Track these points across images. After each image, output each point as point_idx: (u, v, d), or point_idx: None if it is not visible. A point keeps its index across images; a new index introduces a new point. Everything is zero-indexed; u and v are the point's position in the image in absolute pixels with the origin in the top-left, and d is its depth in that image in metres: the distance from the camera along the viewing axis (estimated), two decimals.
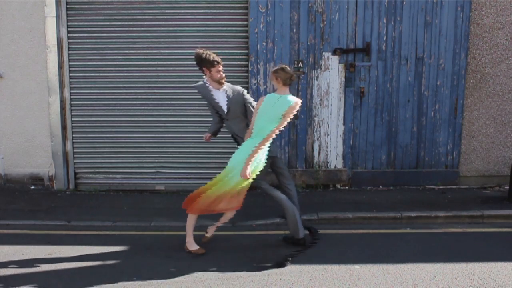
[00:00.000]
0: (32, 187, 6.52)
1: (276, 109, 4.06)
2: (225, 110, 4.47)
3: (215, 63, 4.30)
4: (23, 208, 5.64)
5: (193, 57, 4.47)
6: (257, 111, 4.17)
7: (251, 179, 4.02)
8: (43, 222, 5.17)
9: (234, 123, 4.54)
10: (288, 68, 4.21)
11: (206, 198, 4.10)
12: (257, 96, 6.29)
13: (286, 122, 4.08)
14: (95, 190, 6.52)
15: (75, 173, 6.61)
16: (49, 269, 3.94)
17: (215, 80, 4.38)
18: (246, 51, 6.32)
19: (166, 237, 4.76)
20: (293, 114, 4.09)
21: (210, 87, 4.46)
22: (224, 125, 4.72)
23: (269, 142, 4.09)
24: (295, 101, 4.10)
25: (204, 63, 4.31)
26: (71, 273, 3.85)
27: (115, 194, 6.43)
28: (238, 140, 4.56)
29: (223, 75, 4.40)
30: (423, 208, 5.42)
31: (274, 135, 4.07)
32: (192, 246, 4.26)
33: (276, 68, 4.24)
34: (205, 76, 4.46)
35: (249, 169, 3.94)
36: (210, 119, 6.37)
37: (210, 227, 4.41)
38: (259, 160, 4.06)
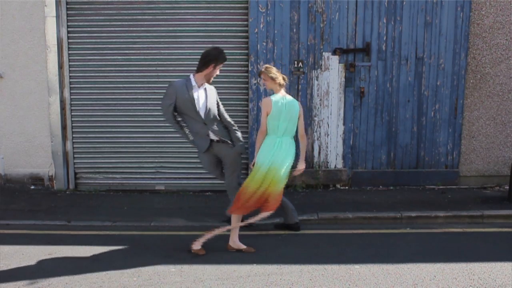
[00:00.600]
0: (32, 187, 6.52)
1: (290, 111, 4.28)
2: (203, 112, 4.31)
3: (224, 61, 4.34)
4: (23, 208, 5.64)
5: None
6: (270, 112, 4.24)
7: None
8: (43, 222, 5.17)
9: (217, 126, 4.45)
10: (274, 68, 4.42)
11: (277, 195, 4.24)
12: (257, 96, 6.30)
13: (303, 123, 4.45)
14: (95, 190, 6.53)
15: (75, 173, 6.61)
16: (49, 269, 3.94)
17: (210, 77, 4.36)
18: (246, 51, 6.33)
19: (166, 237, 4.76)
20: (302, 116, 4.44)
21: (194, 84, 4.32)
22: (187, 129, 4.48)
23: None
24: (298, 102, 4.40)
25: (217, 60, 4.25)
26: (71, 273, 3.85)
27: (115, 194, 6.43)
28: (214, 143, 4.45)
29: None
30: (423, 208, 5.42)
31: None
32: (197, 245, 4.26)
33: (265, 68, 4.33)
34: (194, 74, 4.34)
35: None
36: None
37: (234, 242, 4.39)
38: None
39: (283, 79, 4.34)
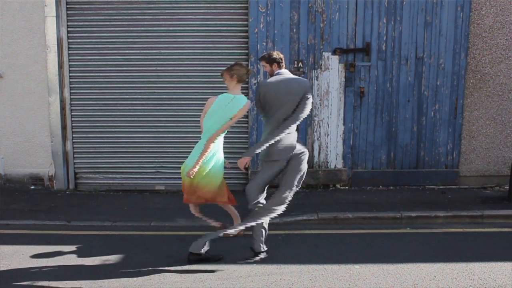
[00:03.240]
0: (32, 187, 6.52)
1: (227, 110, 4.09)
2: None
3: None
4: (23, 208, 5.64)
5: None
6: (207, 111, 4.17)
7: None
8: (43, 222, 5.17)
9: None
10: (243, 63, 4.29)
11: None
12: None
13: (233, 123, 4.13)
14: (95, 190, 6.52)
15: (75, 173, 6.61)
16: (49, 269, 3.94)
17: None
18: (246, 51, 6.32)
19: (166, 237, 4.76)
20: (242, 115, 4.15)
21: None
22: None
23: (214, 142, 4.10)
24: (247, 102, 4.16)
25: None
26: (71, 273, 3.85)
27: (115, 194, 6.43)
28: None
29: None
30: (423, 208, 5.42)
31: (220, 134, 4.13)
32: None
33: (230, 65, 4.23)
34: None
35: (195, 169, 4.06)
36: None
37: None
38: (213, 159, 4.17)
39: (247, 73, 4.24)
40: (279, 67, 4.19)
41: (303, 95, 4.01)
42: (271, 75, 4.21)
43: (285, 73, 4.17)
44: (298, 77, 4.25)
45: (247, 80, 4.29)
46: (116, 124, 6.52)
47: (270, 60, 4.19)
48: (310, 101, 4.05)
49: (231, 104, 4.10)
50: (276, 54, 4.21)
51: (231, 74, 4.17)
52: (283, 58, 4.22)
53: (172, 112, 6.45)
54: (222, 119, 4.10)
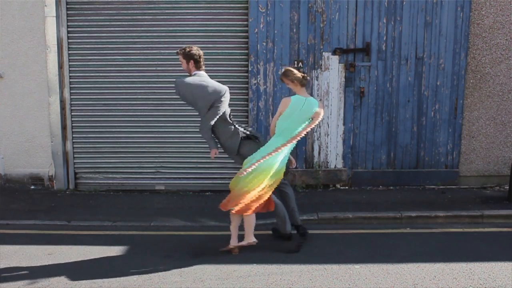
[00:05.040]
0: (32, 187, 6.52)
1: (303, 112, 4.18)
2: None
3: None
4: (23, 208, 5.64)
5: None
6: (282, 112, 4.19)
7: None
8: (43, 222, 5.17)
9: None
10: (293, 68, 4.32)
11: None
12: (257, 96, 6.30)
13: (314, 126, 4.24)
14: (95, 190, 6.52)
15: (75, 173, 6.61)
16: (49, 269, 3.94)
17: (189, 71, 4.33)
18: (246, 51, 6.32)
19: (166, 237, 4.76)
20: (320, 118, 4.27)
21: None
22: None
23: (295, 142, 4.22)
24: (320, 106, 4.28)
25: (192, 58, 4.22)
26: (71, 273, 3.85)
27: (115, 194, 6.43)
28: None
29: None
30: (423, 208, 5.43)
31: (302, 135, 4.21)
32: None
33: (284, 71, 4.29)
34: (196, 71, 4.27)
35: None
36: None
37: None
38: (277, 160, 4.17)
39: (304, 77, 4.22)
40: (197, 67, 4.21)
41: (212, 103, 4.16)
42: (189, 74, 4.25)
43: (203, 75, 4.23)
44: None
45: (306, 83, 4.28)
46: (116, 124, 6.52)
47: (187, 56, 4.17)
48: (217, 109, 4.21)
49: (305, 106, 4.19)
50: (196, 50, 4.17)
51: (291, 80, 4.23)
52: (201, 56, 4.18)
53: (172, 112, 6.45)
54: (299, 120, 4.18)
